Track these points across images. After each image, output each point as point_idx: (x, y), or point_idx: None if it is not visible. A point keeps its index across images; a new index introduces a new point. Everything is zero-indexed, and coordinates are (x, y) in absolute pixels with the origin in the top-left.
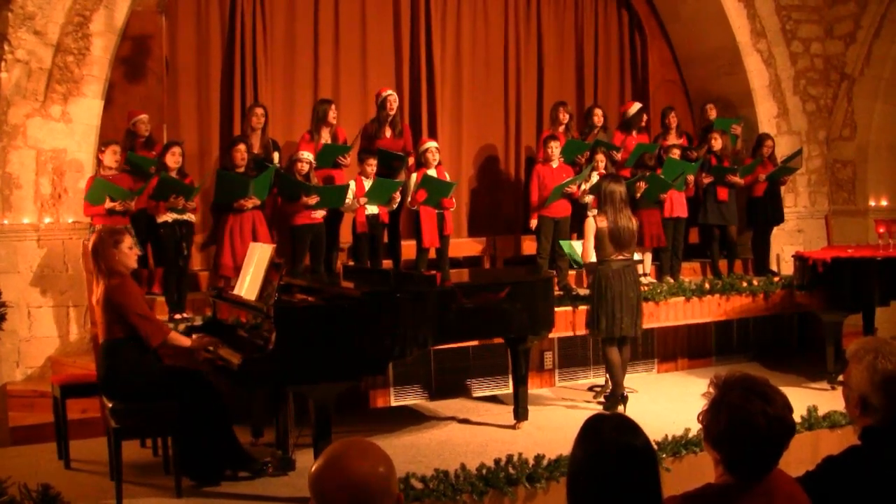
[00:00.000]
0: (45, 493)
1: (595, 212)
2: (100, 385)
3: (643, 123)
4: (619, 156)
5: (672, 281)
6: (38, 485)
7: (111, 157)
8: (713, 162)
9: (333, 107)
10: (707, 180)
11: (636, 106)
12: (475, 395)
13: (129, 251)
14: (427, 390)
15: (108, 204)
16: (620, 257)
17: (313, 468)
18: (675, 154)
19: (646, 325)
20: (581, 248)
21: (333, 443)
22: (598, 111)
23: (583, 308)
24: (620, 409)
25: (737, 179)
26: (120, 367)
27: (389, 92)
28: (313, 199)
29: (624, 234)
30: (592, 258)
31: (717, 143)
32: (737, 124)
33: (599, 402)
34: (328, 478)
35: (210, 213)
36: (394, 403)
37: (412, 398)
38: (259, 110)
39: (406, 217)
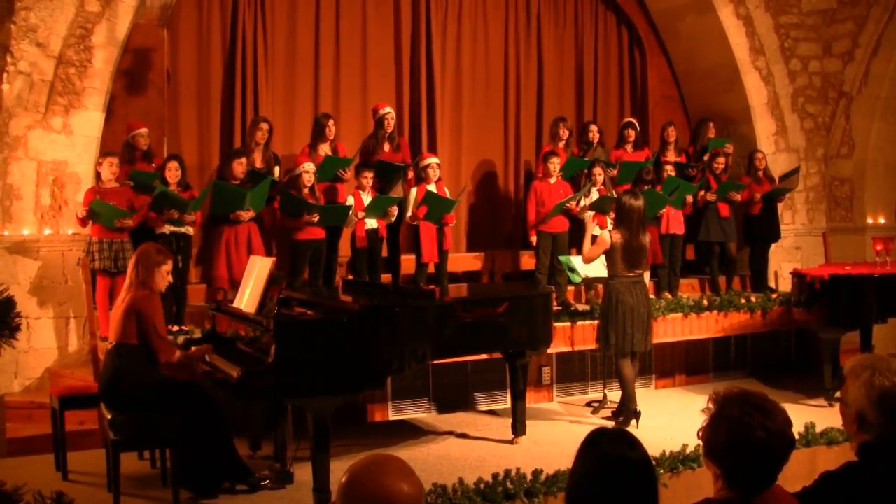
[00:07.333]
0: (58, 501)
1: (597, 228)
2: (100, 390)
3: (632, 138)
4: (613, 172)
5: (670, 297)
6: (52, 492)
7: (108, 169)
8: (711, 180)
9: (332, 121)
10: (711, 198)
11: (624, 121)
12: (473, 409)
13: (165, 275)
14: (425, 405)
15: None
16: (631, 274)
17: (350, 473)
18: (670, 172)
19: None
20: (578, 261)
21: (377, 453)
22: (594, 127)
23: (581, 324)
24: (633, 423)
25: (737, 196)
26: (125, 372)
27: (388, 110)
28: (315, 217)
29: (637, 253)
30: (597, 272)
31: (720, 163)
32: (728, 143)
33: (605, 418)
34: (363, 485)
35: (206, 226)
36: (392, 417)
37: (410, 412)
38: (264, 125)
39: (405, 232)
